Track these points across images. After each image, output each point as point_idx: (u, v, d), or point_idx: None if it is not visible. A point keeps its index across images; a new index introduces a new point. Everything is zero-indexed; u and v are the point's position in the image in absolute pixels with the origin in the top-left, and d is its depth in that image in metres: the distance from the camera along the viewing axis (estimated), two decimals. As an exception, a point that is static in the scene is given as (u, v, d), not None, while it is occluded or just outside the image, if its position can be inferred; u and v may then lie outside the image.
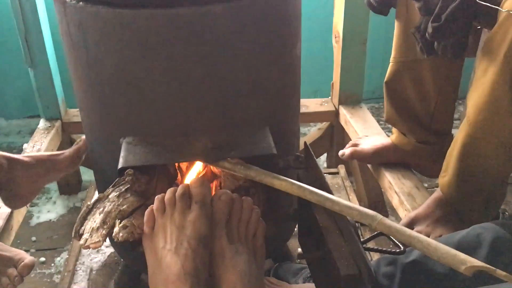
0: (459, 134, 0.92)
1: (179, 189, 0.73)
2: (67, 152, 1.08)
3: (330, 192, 0.75)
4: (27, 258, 0.92)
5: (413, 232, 0.65)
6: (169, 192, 0.74)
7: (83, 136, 1.08)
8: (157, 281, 0.68)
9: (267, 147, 0.84)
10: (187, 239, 0.68)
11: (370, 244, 0.78)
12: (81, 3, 0.80)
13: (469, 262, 0.58)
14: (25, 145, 1.43)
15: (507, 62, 0.79)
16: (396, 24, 1.16)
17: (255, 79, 0.86)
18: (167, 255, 0.68)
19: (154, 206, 0.74)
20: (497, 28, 0.81)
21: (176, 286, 0.65)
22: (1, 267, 0.91)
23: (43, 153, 1.10)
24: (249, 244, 0.73)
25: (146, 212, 0.74)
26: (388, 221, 0.68)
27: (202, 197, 0.72)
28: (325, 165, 1.76)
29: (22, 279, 0.91)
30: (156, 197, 0.74)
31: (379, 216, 0.68)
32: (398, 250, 0.72)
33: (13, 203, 1.09)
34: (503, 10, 0.79)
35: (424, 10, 0.96)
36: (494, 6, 0.81)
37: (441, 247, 0.60)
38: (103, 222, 0.77)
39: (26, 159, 1.04)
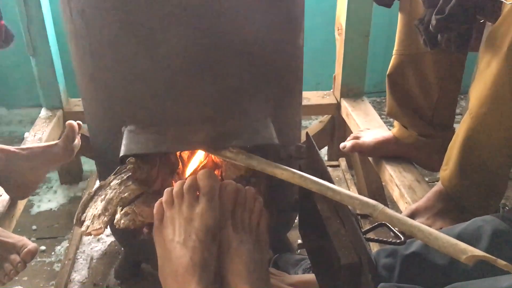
0: (461, 127, 0.92)
1: (187, 181, 0.73)
2: (60, 142, 1.08)
3: (331, 182, 0.75)
4: (30, 244, 0.93)
5: (414, 222, 0.65)
6: (177, 185, 0.74)
7: (69, 121, 1.07)
8: (167, 273, 0.69)
9: (269, 137, 0.84)
10: (195, 231, 0.68)
11: (371, 236, 0.78)
12: (84, -10, 0.80)
13: (470, 251, 0.58)
14: (26, 134, 1.43)
15: (511, 55, 0.79)
16: (399, 16, 1.16)
17: (258, 69, 0.86)
18: (176, 247, 0.68)
19: (163, 198, 0.74)
20: (501, 21, 0.81)
21: (185, 278, 0.65)
22: (4, 253, 0.91)
23: (39, 144, 1.11)
24: (253, 233, 0.73)
25: (156, 205, 0.74)
26: (389, 211, 0.68)
27: (210, 189, 0.72)
28: (326, 158, 1.76)
29: (25, 265, 0.91)
30: (165, 190, 0.74)
31: (380, 205, 0.68)
32: (398, 241, 0.72)
33: (16, 194, 1.10)
34: (508, 3, 0.79)
35: (428, 2, 0.95)
36: (498, -1, 0.81)
37: (442, 237, 0.60)
38: (105, 209, 0.77)
39: (22, 152, 1.05)
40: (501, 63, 0.80)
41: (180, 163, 0.97)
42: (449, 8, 0.88)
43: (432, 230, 0.63)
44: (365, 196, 1.45)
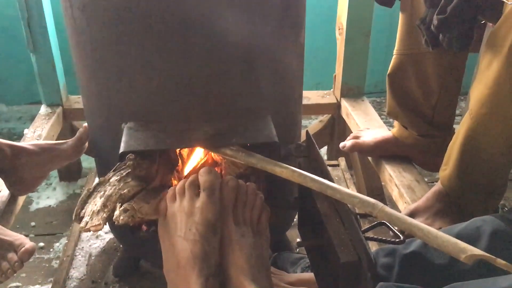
0: (461, 127, 0.91)
1: (189, 178, 0.76)
2: (70, 141, 1.09)
3: (331, 180, 0.75)
4: (28, 243, 0.92)
5: (413, 220, 0.65)
6: (180, 182, 0.77)
7: (85, 124, 1.08)
8: (170, 266, 0.71)
9: (269, 135, 0.84)
10: (196, 225, 0.70)
11: (370, 235, 0.77)
12: (85, -14, 0.80)
13: (470, 250, 0.58)
14: (25, 130, 1.43)
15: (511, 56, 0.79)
16: (400, 16, 1.16)
17: (258, 68, 0.86)
18: (178, 241, 0.71)
19: (167, 195, 0.77)
20: (503, 21, 0.81)
21: (186, 270, 0.67)
22: (1, 252, 0.91)
23: (47, 141, 1.11)
24: (254, 228, 0.75)
25: (161, 201, 0.77)
26: (389, 209, 0.68)
27: (209, 184, 0.73)
28: (325, 157, 1.76)
29: (22, 264, 0.91)
30: (170, 188, 0.77)
31: (380, 204, 0.68)
32: (397, 240, 0.72)
33: (18, 189, 1.10)
34: (509, 3, 0.79)
35: (429, 2, 0.95)
36: (500, -1, 0.81)
37: (441, 235, 0.60)
38: (104, 205, 0.77)
39: (30, 147, 1.05)
40: (501, 64, 0.80)
41: (180, 161, 0.97)
42: (450, 8, 0.88)
43: (431, 228, 0.63)
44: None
